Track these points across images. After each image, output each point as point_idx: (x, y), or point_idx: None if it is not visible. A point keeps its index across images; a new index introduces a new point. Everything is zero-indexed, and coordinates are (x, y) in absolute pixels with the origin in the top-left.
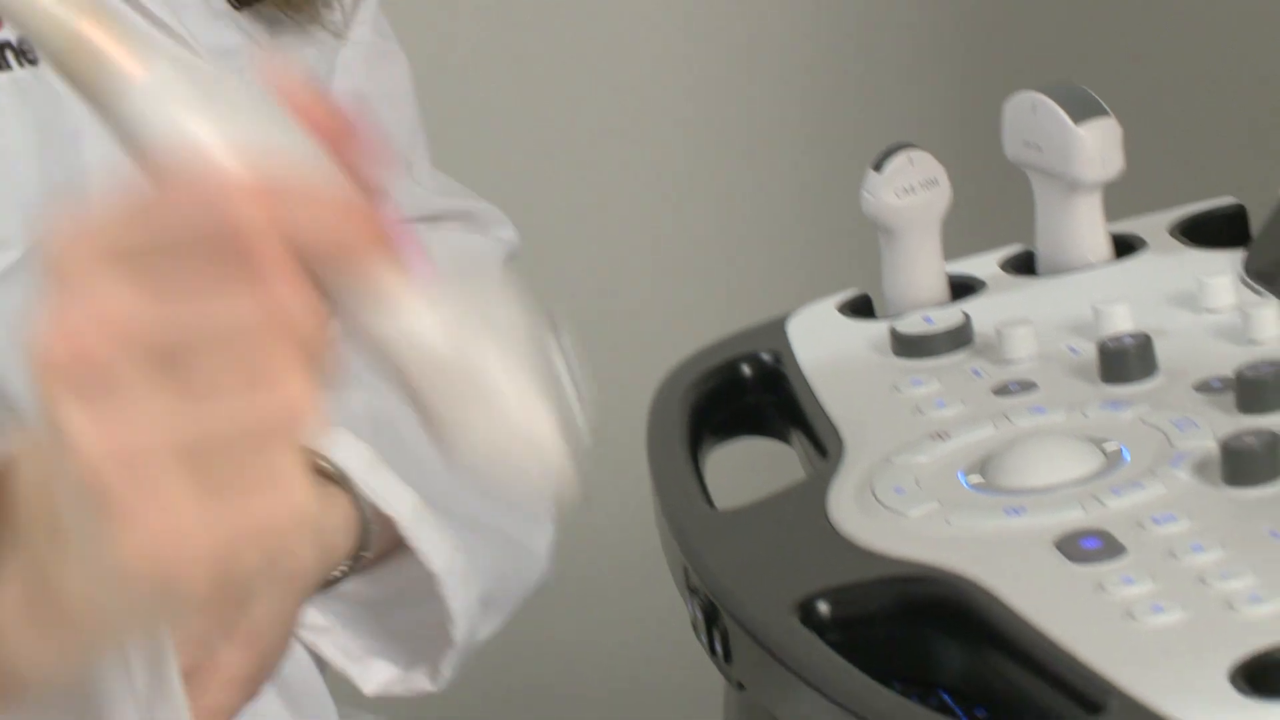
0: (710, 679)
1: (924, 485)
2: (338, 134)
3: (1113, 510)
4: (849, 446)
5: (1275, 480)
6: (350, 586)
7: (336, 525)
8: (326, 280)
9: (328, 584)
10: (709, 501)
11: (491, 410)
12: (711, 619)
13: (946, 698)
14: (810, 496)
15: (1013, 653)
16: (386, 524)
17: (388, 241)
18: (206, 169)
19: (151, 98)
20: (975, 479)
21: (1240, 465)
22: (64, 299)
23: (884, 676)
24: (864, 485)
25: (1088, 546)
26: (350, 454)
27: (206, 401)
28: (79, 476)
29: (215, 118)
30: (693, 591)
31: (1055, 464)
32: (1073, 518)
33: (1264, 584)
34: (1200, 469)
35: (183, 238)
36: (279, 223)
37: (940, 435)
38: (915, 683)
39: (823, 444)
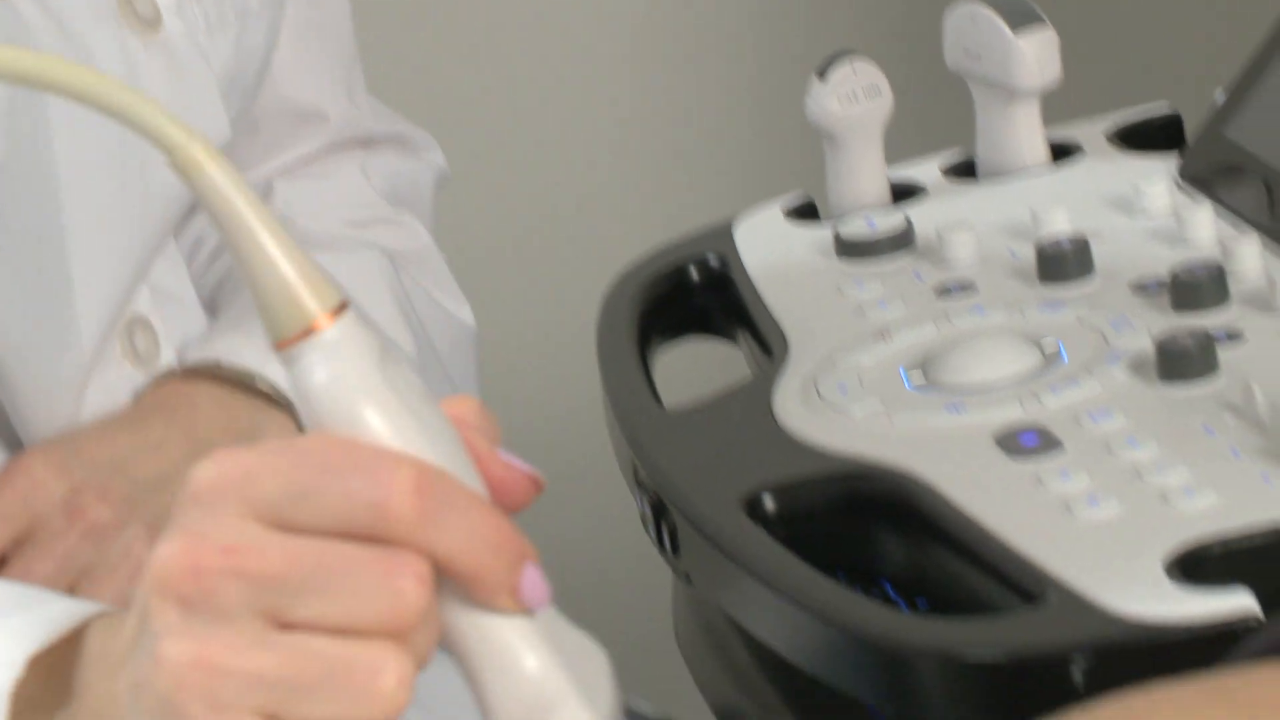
0: (659, 572)
1: (867, 384)
2: (493, 467)
3: (1051, 407)
4: (794, 347)
5: (1208, 377)
6: None
7: (278, 436)
8: (445, 576)
9: None
10: (657, 400)
11: None
12: (660, 514)
13: (889, 589)
14: (756, 395)
15: (953, 545)
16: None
17: (518, 570)
18: (372, 443)
19: (332, 352)
20: (917, 377)
21: (1175, 363)
22: (197, 520)
23: (828, 568)
24: (808, 384)
25: (1026, 443)
26: (280, 372)
27: (299, 642)
28: (154, 677)
29: (390, 396)
30: (641, 488)
31: (995, 362)
32: (1012, 414)
33: (1197, 477)
34: (1136, 367)
35: (329, 500)
36: (427, 522)
37: (883, 335)
38: (858, 574)
39: (768, 344)
